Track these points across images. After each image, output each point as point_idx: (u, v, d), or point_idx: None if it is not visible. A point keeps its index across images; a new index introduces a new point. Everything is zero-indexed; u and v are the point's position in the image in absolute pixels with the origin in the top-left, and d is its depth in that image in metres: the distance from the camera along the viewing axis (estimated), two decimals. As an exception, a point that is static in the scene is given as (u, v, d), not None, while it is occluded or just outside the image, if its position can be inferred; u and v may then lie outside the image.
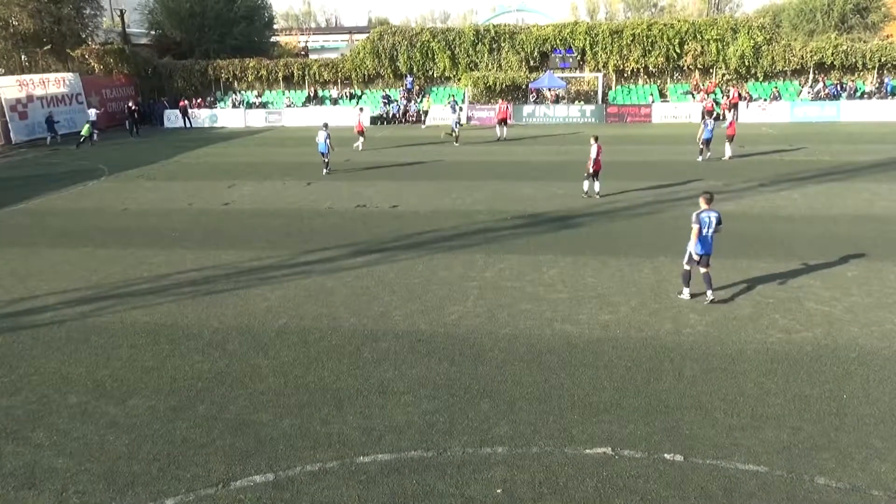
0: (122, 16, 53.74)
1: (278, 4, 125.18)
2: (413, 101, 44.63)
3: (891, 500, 6.28)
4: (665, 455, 7.07)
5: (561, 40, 44.04)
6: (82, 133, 35.68)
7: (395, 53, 45.77)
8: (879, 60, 42.19)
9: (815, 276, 12.45)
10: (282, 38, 68.18)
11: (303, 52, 64.02)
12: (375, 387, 8.67)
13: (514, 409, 8.03)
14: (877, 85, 41.61)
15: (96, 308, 11.79)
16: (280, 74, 47.86)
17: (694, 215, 11.06)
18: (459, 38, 45.15)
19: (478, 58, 45.16)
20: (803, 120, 38.88)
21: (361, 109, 34.70)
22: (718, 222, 11.00)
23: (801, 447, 7.16)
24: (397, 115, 43.74)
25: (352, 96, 46.27)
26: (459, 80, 45.45)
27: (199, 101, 46.57)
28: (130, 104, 43.34)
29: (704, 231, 10.95)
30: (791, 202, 18.51)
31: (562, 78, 43.29)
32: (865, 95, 40.91)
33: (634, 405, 8.08)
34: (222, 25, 50.15)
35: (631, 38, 43.15)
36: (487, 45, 44.82)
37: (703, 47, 42.75)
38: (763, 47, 42.39)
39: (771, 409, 7.91)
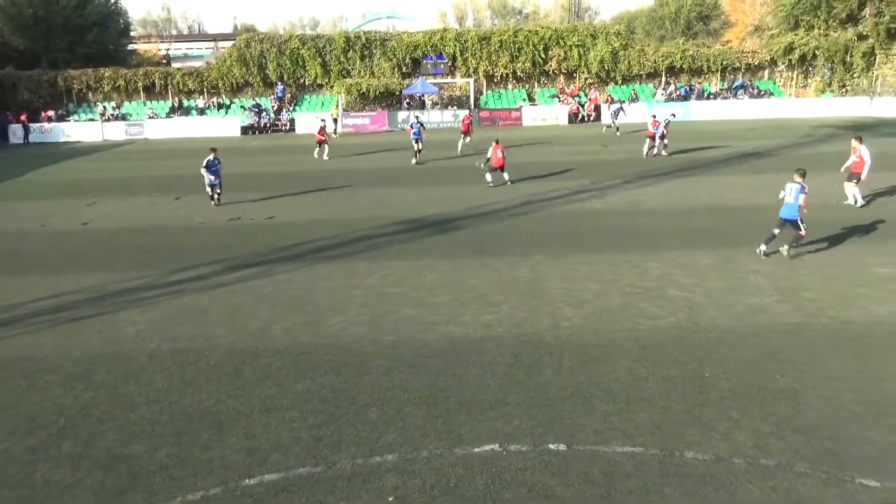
0: (-48, 22, 48.88)
1: (135, 10, 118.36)
2: (285, 110, 43.65)
3: (749, 466, 6.84)
4: (550, 446, 7.31)
5: (432, 46, 44.76)
6: None
7: (263, 61, 44.66)
8: (722, 64, 46.07)
9: (676, 265, 13.36)
10: (140, 46, 64.68)
11: (164, 61, 61.02)
12: (258, 406, 8.37)
13: (402, 416, 8.02)
14: (724, 85, 45.40)
15: (-65, 346, 10.61)
16: (140, 84, 45.41)
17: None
18: (330, 45, 44.76)
19: (350, 65, 44.96)
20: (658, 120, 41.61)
21: (323, 120, 32.15)
22: (801, 192, 13.15)
23: (670, 425, 7.64)
24: (268, 125, 42.62)
25: (220, 106, 44.62)
26: (332, 87, 45.04)
27: (46, 113, 43.11)
28: (-33, 119, 39.59)
29: (785, 198, 13.31)
30: (652, 197, 19.77)
31: (434, 84, 43.95)
32: (712, 96, 44.51)
33: (518, 400, 8.30)
34: (71, 32, 46.85)
35: (499, 45, 44.58)
36: (359, 52, 44.74)
37: (566, 53, 44.90)
38: (620, 52, 45.11)
39: (643, 393, 8.39)
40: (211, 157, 19.82)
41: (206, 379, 9.14)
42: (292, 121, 42.54)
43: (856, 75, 44.40)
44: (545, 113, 42.34)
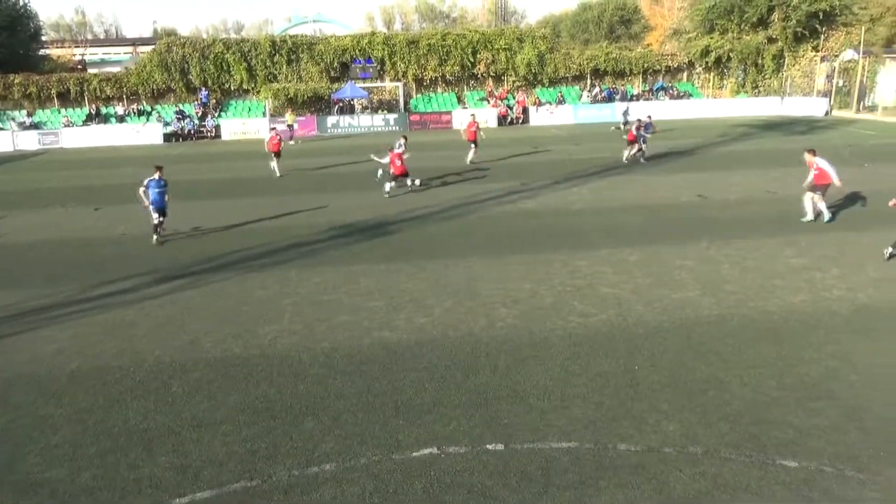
0: None
1: (46, 13, 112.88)
2: (210, 116, 42.53)
3: (679, 454, 7.07)
4: (487, 446, 7.37)
5: (360, 50, 44.53)
6: None
7: (186, 66, 43.42)
8: (643, 66, 47.63)
9: (606, 262, 13.71)
10: (53, 52, 61.73)
11: (79, 67, 58.36)
12: (189, 421, 8.11)
13: (338, 424, 7.93)
14: (646, 87, 46.93)
15: None
16: (54, 91, 43.40)
17: None
18: (255, 50, 43.91)
19: (276, 69, 44.23)
20: (585, 121, 42.75)
21: (274, 128, 29.08)
22: None
23: (604, 420, 7.82)
24: (193, 131, 41.42)
25: (140, 112, 43.09)
26: (259, 92, 44.19)
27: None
28: None
29: None
30: (580, 197, 20.23)
31: (364, 88, 43.73)
32: (634, 98, 45.92)
33: (456, 402, 8.34)
34: (-24, 37, 44.35)
35: (427, 48, 44.74)
36: (286, 56, 44.06)
37: (493, 56, 45.46)
38: (546, 56, 46.01)
39: (576, 389, 8.56)
40: (156, 176, 16.39)
41: (132, 396, 8.80)
42: (218, 127, 41.48)
43: (767, 77, 46.67)
44: (475, 116, 42.74)
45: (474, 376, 9.00)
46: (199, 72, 43.32)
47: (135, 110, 43.17)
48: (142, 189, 16.33)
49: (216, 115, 43.03)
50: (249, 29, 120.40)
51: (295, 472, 7.03)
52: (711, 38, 46.99)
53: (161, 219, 16.37)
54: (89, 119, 42.46)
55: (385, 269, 13.76)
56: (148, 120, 42.12)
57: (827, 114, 42.20)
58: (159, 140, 40.41)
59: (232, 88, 44.44)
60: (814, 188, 16.15)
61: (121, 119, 42.64)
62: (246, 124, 41.64)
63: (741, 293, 11.76)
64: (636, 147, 25.92)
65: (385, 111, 44.13)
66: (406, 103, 44.98)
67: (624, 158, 26.21)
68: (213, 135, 41.41)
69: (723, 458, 7.01)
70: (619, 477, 6.74)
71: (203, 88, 43.45)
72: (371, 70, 44.64)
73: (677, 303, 11.41)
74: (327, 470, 7.04)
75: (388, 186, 20.99)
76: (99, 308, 12.13)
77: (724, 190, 20.46)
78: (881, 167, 23.55)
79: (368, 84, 44.52)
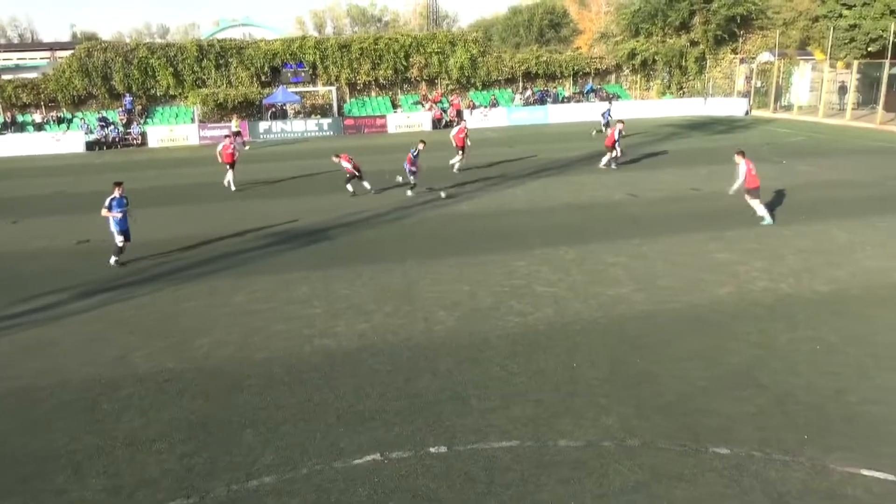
0: None
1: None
2: (135, 123, 41.07)
3: (617, 448, 7.24)
4: (430, 449, 7.37)
5: (291, 55, 43.86)
6: None
7: (108, 71, 41.78)
8: (573, 69, 48.66)
9: (542, 261, 13.93)
10: (-38, 57, 58.44)
11: (-8, 72, 55.43)
12: (120, 440, 7.80)
13: (278, 435, 7.78)
14: (576, 89, 47.97)
15: None
16: (-37, 98, 41.01)
17: None
18: (182, 54, 42.67)
19: (205, 74, 43.09)
20: (518, 123, 43.33)
21: (228, 136, 25.84)
22: None
23: (544, 417, 7.94)
24: (117, 139, 39.91)
25: (60, 120, 41.22)
26: (186, 97, 42.97)
27: None
28: None
29: None
30: (516, 198, 20.50)
31: (296, 92, 43.12)
32: (565, 100, 46.87)
33: (398, 407, 8.30)
34: None
35: (360, 52, 44.46)
36: (214, 61, 42.97)
37: (426, 60, 45.56)
38: (479, 59, 46.43)
39: (517, 388, 8.66)
40: (117, 193, 14.94)
41: (57, 417, 8.40)
42: (144, 134, 40.10)
43: (691, 78, 48.40)
44: (410, 119, 42.74)
45: (415, 380, 8.98)
46: (122, 77, 41.76)
47: (54, 118, 41.24)
48: (104, 210, 14.73)
49: (142, 121, 41.58)
50: (175, 33, 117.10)
51: (234, 486, 6.85)
52: (637, 41, 48.40)
53: (126, 242, 14.89)
54: (4, 128, 40.32)
55: (322, 275, 13.59)
56: (69, 128, 40.33)
57: (747, 113, 44.07)
58: (81, 149, 38.72)
59: (158, 94, 43.04)
60: (747, 192, 16.23)
61: (39, 127, 40.66)
62: (174, 131, 40.43)
63: (671, 288, 12.15)
64: (615, 152, 24.94)
65: (318, 116, 43.62)
66: (340, 108, 44.59)
67: (601, 164, 25.18)
68: (139, 142, 39.97)
69: (659, 448, 7.21)
70: (560, 473, 6.85)
71: (127, 94, 41.92)
72: (303, 74, 44.05)
73: (612, 299, 11.69)
74: (267, 482, 6.90)
75: (350, 187, 21.48)
76: (18, 326, 11.53)
77: (653, 188, 21.10)
78: (797, 163, 24.76)
79: (301, 88, 43.90)
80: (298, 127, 41.53)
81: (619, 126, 25.18)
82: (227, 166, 23.46)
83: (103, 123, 40.38)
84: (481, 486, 6.68)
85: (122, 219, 14.79)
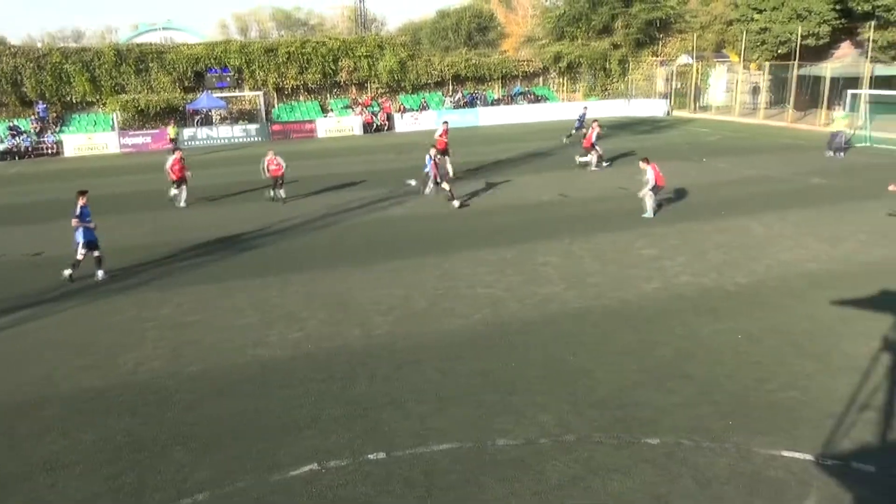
0: None
1: None
2: (49, 131, 39.15)
3: (554, 444, 7.37)
4: (369, 456, 7.31)
5: (215, 59, 42.79)
6: None
7: (18, 77, 39.71)
8: (501, 72, 49.32)
9: (479, 263, 14.04)
10: None
11: None
12: (41, 464, 7.41)
13: (211, 450, 7.56)
14: (505, 92, 48.63)
15: None
16: None
17: None
18: (99, 59, 40.97)
19: (124, 80, 41.51)
20: (450, 126, 43.48)
21: (178, 149, 23.18)
22: None
23: (483, 417, 8.00)
24: (30, 148, 37.94)
25: (-34, 129, 38.84)
26: (105, 104, 41.29)
27: None
28: None
29: None
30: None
31: (221, 97, 42.09)
32: (495, 102, 47.46)
33: (335, 415, 8.20)
34: None
35: (287, 56, 43.77)
36: (133, 66, 41.45)
37: (355, 63, 45.28)
38: (408, 62, 46.47)
39: (455, 390, 8.70)
40: (81, 202, 13.99)
41: (-29, 444, 7.91)
42: (59, 143, 38.25)
43: (614, 80, 49.82)
44: (340, 124, 42.34)
45: (352, 387, 8.90)
46: (34, 84, 39.75)
47: (-42, 127, 38.86)
48: (75, 221, 13.77)
49: (57, 129, 39.68)
50: (91, 38, 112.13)
51: (166, 506, 6.62)
52: (562, 44, 49.46)
53: (87, 253, 13.83)
54: None
55: (254, 284, 13.29)
56: (-23, 137, 38.11)
57: (668, 114, 45.67)
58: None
59: (74, 101, 41.15)
60: (655, 189, 17.28)
61: (-59, 137, 38.24)
62: (92, 139, 38.72)
63: (602, 285, 12.46)
64: (596, 153, 24.91)
65: (246, 121, 42.65)
66: (268, 113, 43.75)
67: (592, 167, 24.99)
68: (53, 151, 38.08)
69: (594, 442, 7.38)
70: (500, 472, 6.92)
71: (40, 102, 39.93)
72: (228, 79, 43.04)
73: (546, 298, 11.90)
74: (201, 500, 6.69)
75: (270, 192, 21.58)
76: (-75, 349, 10.81)
77: (582, 188, 21.59)
78: (716, 161, 25.83)
79: (226, 94, 42.86)
80: (225, 133, 40.50)
81: (596, 127, 25.43)
82: (174, 184, 21.02)
83: (14, 132, 38.30)
84: (421, 491, 6.68)
85: (90, 231, 13.91)
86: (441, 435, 7.64)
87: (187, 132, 39.81)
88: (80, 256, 13.90)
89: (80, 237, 13.86)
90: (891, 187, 16.23)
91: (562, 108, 47.22)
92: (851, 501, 6.27)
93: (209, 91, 41.57)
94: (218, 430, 7.97)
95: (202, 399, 8.74)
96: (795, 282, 12.25)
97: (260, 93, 43.52)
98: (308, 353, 9.99)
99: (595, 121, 26.35)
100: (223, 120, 42.74)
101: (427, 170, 20.37)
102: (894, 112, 31.72)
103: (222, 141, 40.00)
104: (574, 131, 31.92)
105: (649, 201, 17.41)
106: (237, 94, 43.77)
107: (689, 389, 8.45)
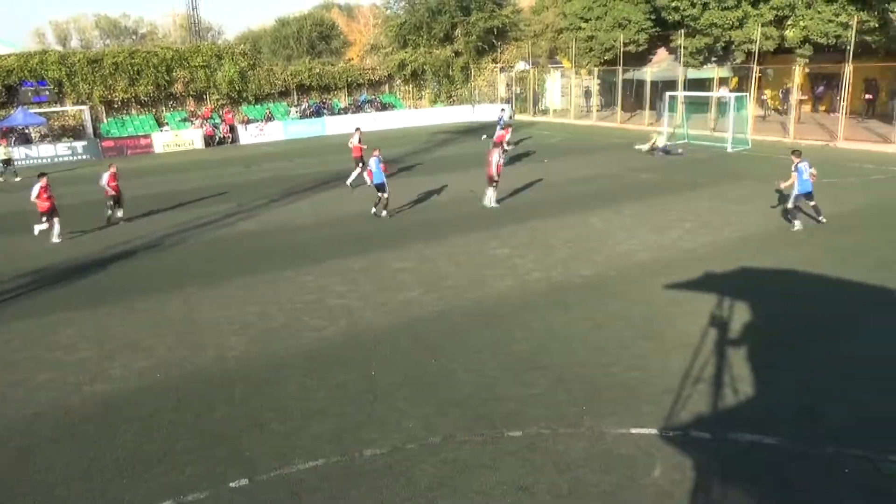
0: None
1: None
2: None
3: (421, 448, 7.42)
4: (231, 484, 6.97)
5: (30, 71, 39.03)
6: None
7: None
8: (347, 80, 49.11)
9: (332, 273, 13.84)
10: None
11: None
12: None
13: (48, 502, 6.84)
14: (351, 100, 48.45)
15: None
16: None
17: (793, 167, 15.12)
18: None
19: (-82, 95, 36.79)
20: (296, 136, 42.69)
21: (43, 175, 18.47)
22: (809, 166, 15.07)
23: (348, 430, 7.89)
24: None
25: None
26: None
27: None
28: None
29: (804, 176, 14.91)
30: (301, 212, 20.17)
31: (39, 113, 38.44)
32: (342, 111, 47.14)
33: (190, 445, 7.73)
34: None
35: (114, 68, 40.85)
36: (-72, 80, 36.86)
37: (192, 74, 43.14)
38: (249, 72, 45.00)
39: (317, 404, 8.51)
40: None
41: None
42: None
43: (458, 87, 51.27)
44: (178, 138, 40.11)
45: (208, 413, 8.44)
46: None
47: None
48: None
49: None
50: None
51: (-4, 570, 5.91)
52: (406, 52, 50.15)
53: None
54: None
55: (90, 314, 12.23)
56: None
57: (511, 118, 47.71)
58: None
59: None
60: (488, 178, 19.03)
61: None
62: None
63: (458, 286, 12.74)
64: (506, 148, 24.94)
65: (70, 138, 39.23)
66: (96, 128, 40.54)
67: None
68: None
69: (459, 441, 7.51)
70: (369, 482, 6.85)
71: None
72: (47, 93, 39.38)
73: (403, 304, 11.97)
74: (40, 557, 6.04)
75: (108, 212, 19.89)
76: None
77: (434, 192, 21.95)
78: (557, 162, 27.34)
79: (45, 109, 39.20)
80: (47, 152, 36.98)
81: (508, 131, 26.84)
82: (43, 217, 17.88)
83: None
84: (289, 513, 6.46)
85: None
86: (306, 452, 7.44)
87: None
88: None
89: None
90: (781, 185, 16.49)
91: (409, 115, 47.88)
92: (692, 467, 6.85)
93: (25, 106, 37.83)
94: (55, 479, 7.22)
95: (36, 445, 7.88)
96: (631, 271, 13.21)
97: (85, 107, 40.25)
98: (156, 383, 9.34)
99: (509, 125, 28.78)
100: (44, 137, 39.06)
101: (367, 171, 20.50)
102: (705, 111, 35.27)
103: (44, 160, 36.49)
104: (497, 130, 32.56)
105: (490, 193, 19.08)
106: (58, 109, 40.19)
107: (544, 380, 8.85)
